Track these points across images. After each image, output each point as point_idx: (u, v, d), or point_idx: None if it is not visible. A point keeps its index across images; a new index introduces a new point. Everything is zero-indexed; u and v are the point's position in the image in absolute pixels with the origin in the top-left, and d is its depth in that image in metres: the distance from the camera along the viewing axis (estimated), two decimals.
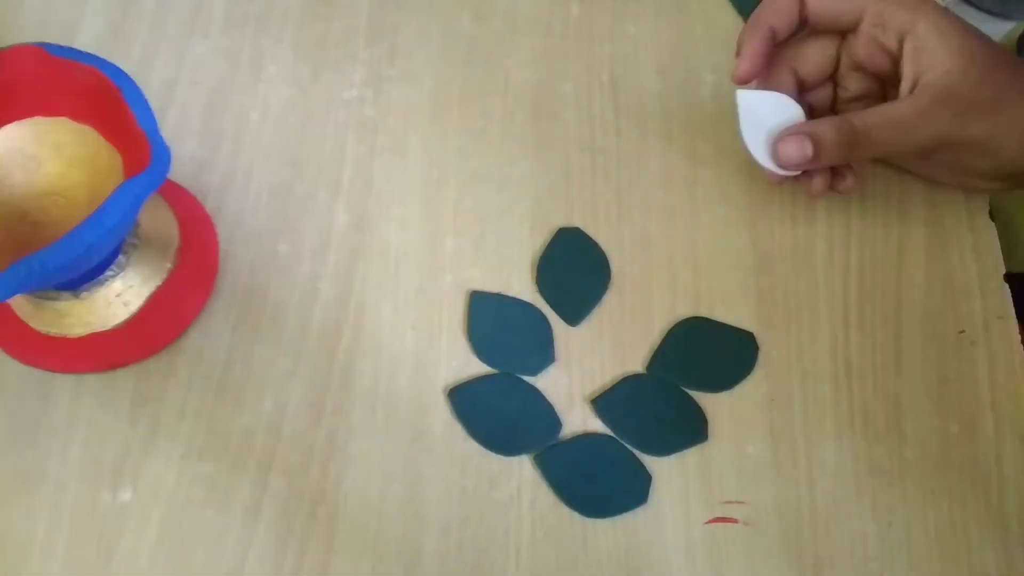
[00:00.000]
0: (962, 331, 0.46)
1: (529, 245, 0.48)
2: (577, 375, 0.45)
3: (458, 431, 0.44)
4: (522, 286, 0.47)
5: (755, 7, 0.54)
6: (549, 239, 0.48)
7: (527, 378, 0.45)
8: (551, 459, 0.43)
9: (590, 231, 0.48)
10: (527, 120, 0.52)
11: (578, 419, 0.44)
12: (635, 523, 0.42)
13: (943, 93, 0.42)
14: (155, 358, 0.45)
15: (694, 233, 0.48)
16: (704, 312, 0.46)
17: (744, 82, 0.46)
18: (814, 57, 0.47)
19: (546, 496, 0.43)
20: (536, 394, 0.44)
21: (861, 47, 0.45)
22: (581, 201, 0.49)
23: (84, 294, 0.43)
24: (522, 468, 0.43)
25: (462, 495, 0.42)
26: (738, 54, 0.46)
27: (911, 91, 0.43)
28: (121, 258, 0.44)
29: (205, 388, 0.45)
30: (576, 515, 0.42)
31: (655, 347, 0.45)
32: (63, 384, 0.45)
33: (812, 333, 0.46)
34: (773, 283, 0.47)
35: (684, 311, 0.46)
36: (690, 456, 0.43)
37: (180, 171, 0.50)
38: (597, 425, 0.44)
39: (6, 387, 0.45)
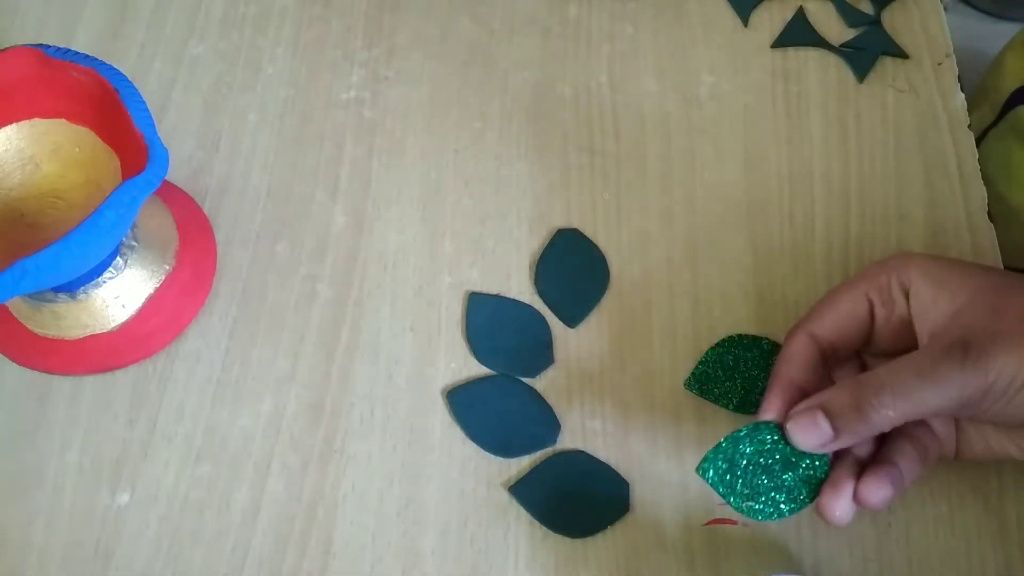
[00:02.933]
0: None
1: (527, 246, 0.48)
2: (576, 377, 0.45)
3: (457, 432, 0.44)
4: (520, 287, 0.47)
5: (754, 7, 0.55)
6: (548, 240, 0.48)
7: (526, 380, 0.45)
8: (525, 490, 0.42)
9: (588, 232, 0.48)
10: (525, 121, 0.52)
11: (576, 421, 0.44)
12: (634, 525, 0.42)
13: (957, 332, 0.36)
14: (153, 360, 0.45)
15: (693, 234, 0.48)
16: (703, 312, 0.46)
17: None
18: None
19: None
20: (535, 396, 0.44)
21: (886, 338, 0.40)
22: (580, 202, 0.49)
23: (82, 296, 0.43)
24: (521, 469, 0.43)
25: (461, 496, 0.42)
26: (761, 410, 0.40)
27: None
28: (119, 260, 0.44)
29: (203, 390, 0.45)
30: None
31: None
32: (61, 386, 0.45)
33: None
34: (772, 284, 0.47)
35: (684, 311, 0.46)
36: (689, 458, 0.43)
37: (178, 172, 0.50)
38: (596, 426, 0.44)
39: (4, 389, 0.45)
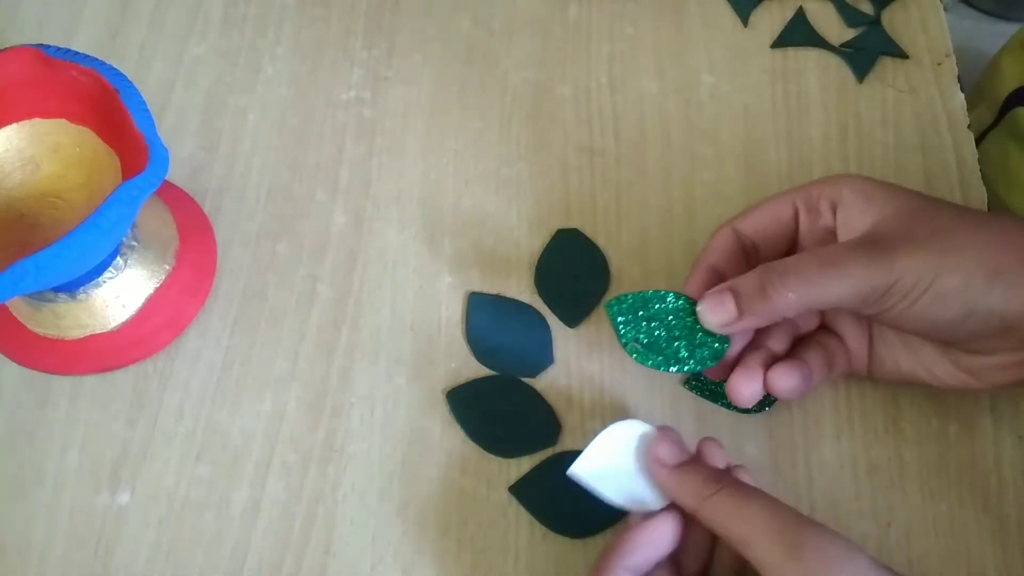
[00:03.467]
0: None
1: (528, 246, 0.48)
2: (576, 377, 0.45)
3: (457, 432, 0.44)
4: (520, 287, 0.47)
5: (754, 8, 0.55)
6: (548, 240, 0.48)
7: (526, 380, 0.45)
8: (525, 490, 0.42)
9: (589, 232, 0.48)
10: (525, 121, 0.52)
11: (576, 421, 0.44)
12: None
13: (872, 234, 0.38)
14: (153, 360, 0.45)
15: (693, 234, 0.48)
16: None
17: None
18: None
19: None
20: (535, 396, 0.44)
21: (808, 244, 0.41)
22: (580, 202, 0.49)
23: (82, 296, 0.43)
24: (520, 469, 0.43)
25: (461, 496, 0.42)
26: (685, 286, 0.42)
27: None
28: (119, 260, 0.44)
29: (203, 390, 0.45)
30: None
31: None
32: (61, 386, 0.45)
33: None
34: None
35: None
36: None
37: (178, 172, 0.50)
38: (596, 426, 0.44)
39: (4, 389, 0.45)
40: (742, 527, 0.35)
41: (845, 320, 0.42)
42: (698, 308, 0.40)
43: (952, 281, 0.36)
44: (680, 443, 0.39)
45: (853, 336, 0.42)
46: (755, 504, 0.35)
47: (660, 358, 0.40)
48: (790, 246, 0.42)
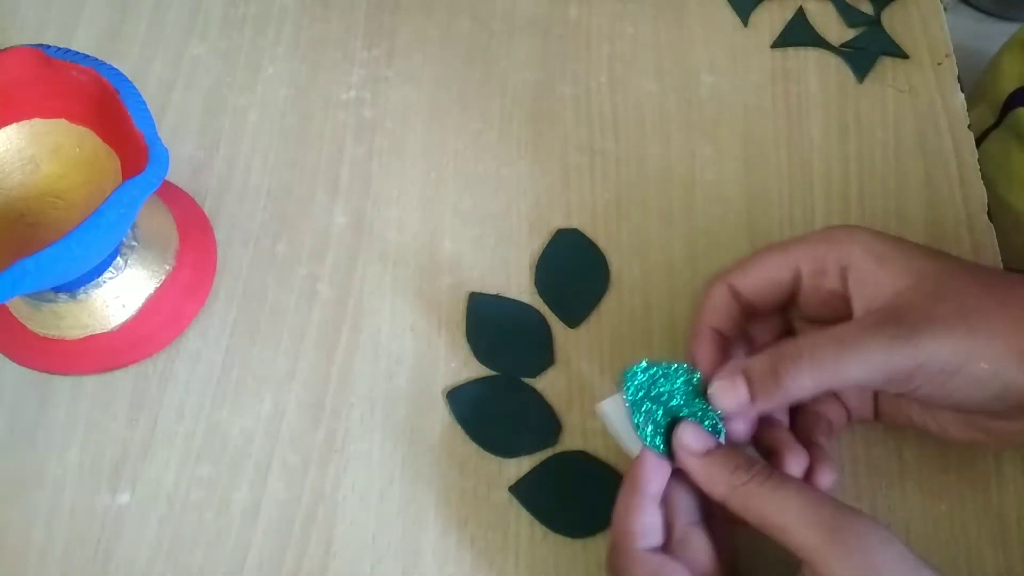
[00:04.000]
0: None
1: (528, 246, 0.48)
2: (576, 377, 0.45)
3: (457, 432, 0.44)
4: (521, 288, 0.47)
5: (754, 8, 0.55)
6: (548, 240, 0.48)
7: (526, 380, 0.45)
8: (525, 490, 0.42)
9: (589, 232, 0.48)
10: (526, 121, 0.52)
11: (576, 421, 0.44)
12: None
13: (892, 310, 0.35)
14: (153, 360, 0.45)
15: (693, 234, 0.48)
16: None
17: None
18: (767, 327, 0.42)
19: None
20: (535, 396, 0.44)
21: (812, 306, 0.39)
22: (580, 202, 0.49)
23: (82, 296, 0.43)
24: (520, 469, 0.43)
25: (461, 496, 0.42)
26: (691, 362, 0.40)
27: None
28: (119, 260, 0.44)
29: (203, 390, 0.45)
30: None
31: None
32: (61, 386, 0.45)
33: None
34: None
35: (684, 311, 0.46)
36: None
37: (178, 172, 0.50)
38: (596, 426, 0.44)
39: (4, 389, 0.45)
40: (778, 514, 0.34)
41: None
42: (710, 392, 0.38)
43: (983, 365, 0.34)
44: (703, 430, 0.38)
45: (854, 396, 0.41)
46: (790, 490, 0.34)
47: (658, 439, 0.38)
48: (786, 304, 0.41)
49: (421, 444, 0.43)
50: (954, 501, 0.42)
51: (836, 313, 0.38)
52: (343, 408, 0.44)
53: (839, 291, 0.38)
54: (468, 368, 0.45)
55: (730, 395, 0.37)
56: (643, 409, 0.38)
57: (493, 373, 0.45)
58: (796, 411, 0.41)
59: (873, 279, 0.37)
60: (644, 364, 0.39)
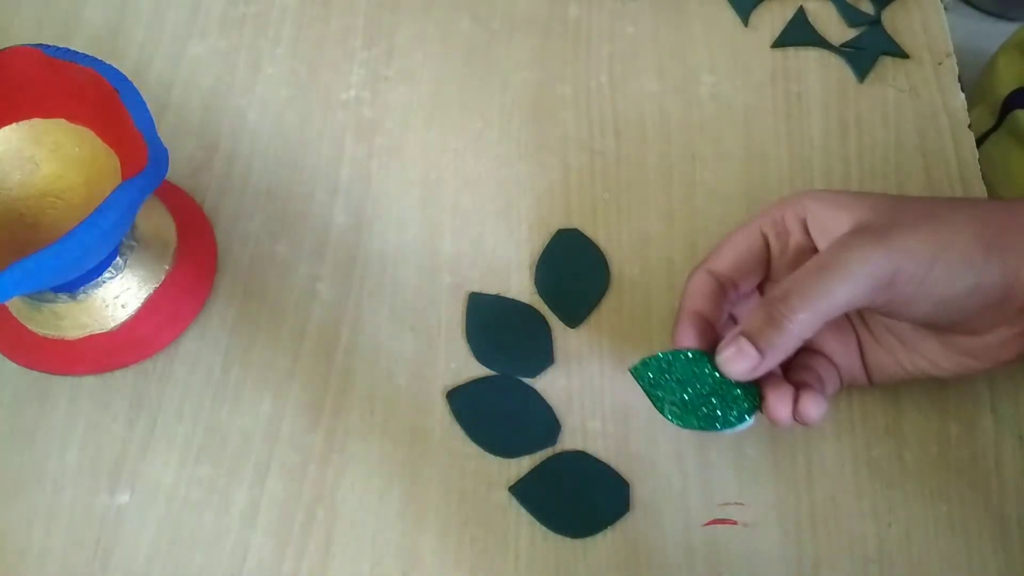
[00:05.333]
0: None
1: (528, 246, 0.48)
2: (576, 377, 0.45)
3: (457, 432, 0.44)
4: (520, 287, 0.47)
5: (754, 7, 0.54)
6: (548, 240, 0.48)
7: (526, 380, 0.45)
8: (525, 490, 0.42)
9: (589, 232, 0.48)
10: (525, 121, 0.52)
11: (577, 421, 0.44)
12: (634, 525, 0.42)
13: (859, 227, 0.37)
14: (153, 360, 0.45)
15: (693, 234, 0.48)
16: None
17: None
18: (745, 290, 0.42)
19: None
20: (535, 396, 0.44)
21: (785, 269, 0.41)
22: (580, 202, 0.49)
23: (81, 296, 0.43)
24: (520, 469, 0.43)
25: (461, 497, 0.42)
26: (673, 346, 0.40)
27: None
28: (119, 260, 0.44)
29: (203, 390, 0.45)
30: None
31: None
32: (60, 386, 0.45)
33: None
34: None
35: None
36: (689, 458, 0.43)
37: (178, 172, 0.50)
38: (596, 426, 0.44)
39: (3, 389, 0.45)
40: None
41: (828, 338, 0.42)
42: (718, 360, 0.38)
43: (953, 255, 0.36)
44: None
45: (839, 352, 0.42)
46: None
47: (701, 419, 0.39)
48: (764, 273, 0.42)
49: (421, 444, 0.43)
50: (954, 502, 0.42)
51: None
52: (342, 408, 0.44)
53: (805, 243, 0.40)
54: (468, 368, 0.45)
55: (739, 359, 0.37)
56: (673, 387, 0.39)
57: (493, 373, 0.45)
58: (787, 369, 0.41)
59: (832, 219, 0.38)
60: (659, 354, 0.39)
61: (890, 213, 0.37)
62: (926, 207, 0.38)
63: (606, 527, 0.42)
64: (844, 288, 0.36)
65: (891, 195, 0.39)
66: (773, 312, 0.37)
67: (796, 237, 0.40)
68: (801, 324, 0.36)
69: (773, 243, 0.41)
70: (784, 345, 0.37)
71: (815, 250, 0.39)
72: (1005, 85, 0.77)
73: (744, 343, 0.37)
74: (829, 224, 0.38)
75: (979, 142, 0.76)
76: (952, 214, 0.38)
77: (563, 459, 0.43)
